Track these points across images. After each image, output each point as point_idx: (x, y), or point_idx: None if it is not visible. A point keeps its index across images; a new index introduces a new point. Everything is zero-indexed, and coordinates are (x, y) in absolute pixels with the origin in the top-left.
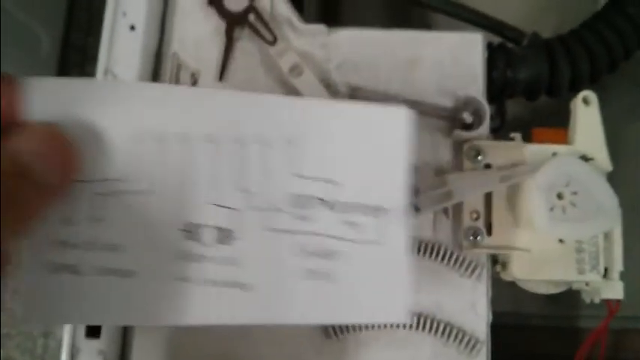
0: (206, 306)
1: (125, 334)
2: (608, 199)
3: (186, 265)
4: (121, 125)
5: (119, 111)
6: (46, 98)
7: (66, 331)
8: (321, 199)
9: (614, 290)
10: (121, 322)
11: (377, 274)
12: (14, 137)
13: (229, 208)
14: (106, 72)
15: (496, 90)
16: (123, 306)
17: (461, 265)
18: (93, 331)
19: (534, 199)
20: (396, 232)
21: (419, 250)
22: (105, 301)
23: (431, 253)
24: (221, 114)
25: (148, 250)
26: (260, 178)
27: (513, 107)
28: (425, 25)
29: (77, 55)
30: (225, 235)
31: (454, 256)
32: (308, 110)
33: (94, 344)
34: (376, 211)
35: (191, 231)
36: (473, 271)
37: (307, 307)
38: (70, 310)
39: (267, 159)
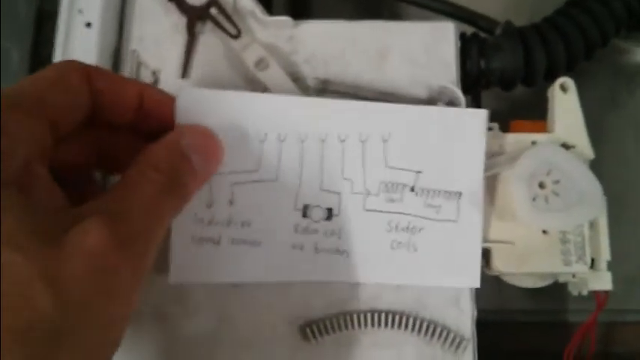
0: (314, 267)
1: None
2: (591, 186)
3: (300, 236)
4: (252, 128)
5: (250, 117)
6: (198, 106)
7: None
8: (408, 186)
9: (602, 281)
10: (250, 279)
11: (452, 246)
12: (181, 135)
13: (334, 192)
14: None
15: (471, 81)
16: (252, 268)
17: None
18: None
19: (515, 189)
20: (471, 212)
21: None
22: (238, 264)
23: None
24: (330, 118)
25: (271, 225)
26: (359, 169)
27: (491, 100)
28: (397, 18)
29: (45, 66)
30: (330, 213)
31: None
32: (400, 113)
33: None
34: (454, 195)
35: (304, 210)
36: None
37: (392, 270)
38: (211, 272)
39: (366, 153)
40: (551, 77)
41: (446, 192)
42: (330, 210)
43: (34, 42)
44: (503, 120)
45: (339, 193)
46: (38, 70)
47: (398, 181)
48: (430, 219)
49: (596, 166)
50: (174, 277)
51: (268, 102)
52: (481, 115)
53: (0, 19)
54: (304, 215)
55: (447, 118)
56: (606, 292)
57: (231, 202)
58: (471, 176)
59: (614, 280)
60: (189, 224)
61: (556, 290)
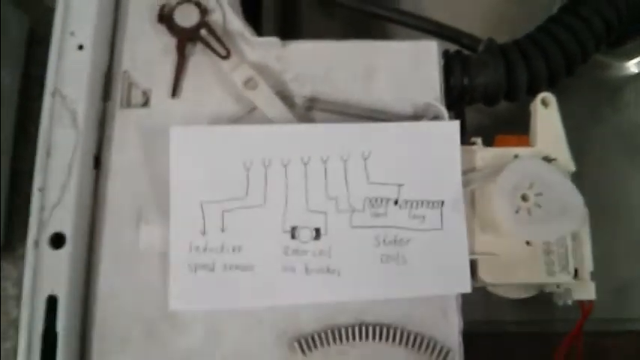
0: (306, 288)
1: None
2: (573, 198)
3: (290, 258)
4: (238, 157)
5: (235, 147)
6: (187, 141)
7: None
8: (392, 199)
9: (586, 291)
10: (244, 304)
11: (440, 253)
12: None
13: (320, 212)
14: (54, 93)
15: (454, 97)
16: (245, 292)
17: None
18: (48, 359)
19: (498, 202)
20: (454, 218)
21: None
22: (232, 289)
23: None
24: (310, 141)
25: (262, 249)
26: (343, 187)
27: (475, 116)
28: (384, 37)
29: (37, 87)
30: (318, 233)
31: None
32: (378, 130)
33: None
34: (437, 204)
35: (292, 232)
36: None
37: (384, 285)
38: (207, 298)
39: (348, 172)
40: (533, 92)
41: (428, 202)
42: (317, 230)
43: (26, 64)
44: (487, 136)
45: (325, 213)
46: (29, 90)
47: (381, 195)
48: (416, 229)
49: (580, 178)
50: (174, 305)
51: (251, 132)
52: (453, 126)
53: None
54: (293, 237)
55: (422, 131)
56: (591, 302)
57: (222, 229)
58: (450, 184)
59: (602, 291)
60: (185, 252)
61: (543, 302)
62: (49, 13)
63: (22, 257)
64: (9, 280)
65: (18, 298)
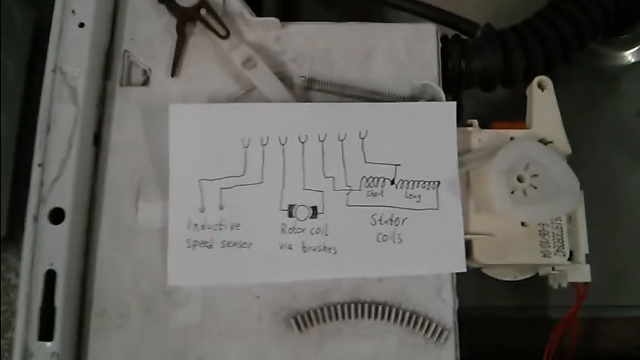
0: (303, 265)
1: (80, 336)
2: (568, 180)
3: (287, 235)
4: (236, 135)
5: (233, 125)
6: (186, 119)
7: (18, 333)
8: (388, 179)
9: (582, 273)
10: (241, 281)
11: (436, 233)
12: None
13: (317, 190)
14: (55, 69)
15: (452, 81)
16: (243, 269)
17: None
18: (46, 334)
19: (494, 182)
20: (450, 199)
21: None
22: (230, 266)
23: None
24: (307, 120)
25: (259, 226)
26: (340, 166)
27: (472, 103)
28: (384, 22)
29: (41, 79)
30: (315, 212)
31: None
32: (374, 111)
33: (48, 347)
34: (433, 184)
35: (290, 210)
36: None
37: (380, 263)
38: (205, 274)
39: (345, 151)
40: (530, 78)
41: (425, 182)
42: (314, 208)
43: (31, 59)
44: (484, 123)
45: (322, 192)
46: (34, 81)
47: (378, 175)
48: (412, 209)
49: (576, 166)
50: (172, 280)
51: (249, 110)
52: (450, 107)
53: None
54: (290, 215)
55: (419, 112)
56: (586, 284)
57: (221, 207)
58: (446, 165)
59: (598, 277)
60: (184, 229)
61: (539, 287)
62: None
63: None
64: (12, 271)
65: None
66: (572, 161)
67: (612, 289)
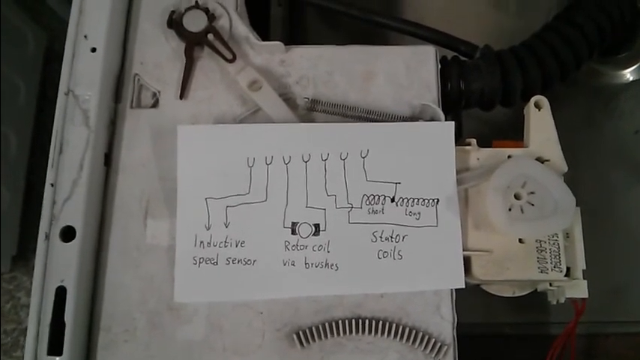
0: (305, 282)
1: (88, 351)
2: (564, 197)
3: (290, 252)
4: (241, 155)
5: (239, 145)
6: (194, 139)
7: (28, 348)
8: (389, 197)
9: (579, 289)
10: (246, 297)
11: (435, 249)
12: None
13: (320, 208)
14: (68, 92)
15: (451, 101)
16: (247, 285)
17: None
18: (55, 349)
19: (492, 200)
20: (449, 216)
21: None
22: (234, 282)
23: None
24: (311, 139)
25: (263, 244)
26: (342, 185)
27: (472, 123)
28: (386, 44)
29: (52, 103)
30: (317, 229)
31: None
32: (375, 130)
33: None
34: (432, 201)
35: (293, 227)
36: None
37: (380, 279)
38: (210, 290)
39: (347, 170)
40: (528, 98)
41: (424, 199)
42: (317, 226)
43: (43, 80)
44: (484, 142)
45: (324, 209)
46: (45, 104)
47: (379, 193)
48: (412, 226)
49: (574, 184)
50: (179, 297)
51: (254, 130)
52: (448, 126)
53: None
54: (293, 232)
55: (418, 131)
56: (583, 300)
57: (226, 224)
58: (445, 183)
59: (596, 293)
60: (190, 246)
61: (539, 305)
62: (66, 29)
63: None
64: (22, 290)
65: None
66: (571, 178)
67: (611, 305)
